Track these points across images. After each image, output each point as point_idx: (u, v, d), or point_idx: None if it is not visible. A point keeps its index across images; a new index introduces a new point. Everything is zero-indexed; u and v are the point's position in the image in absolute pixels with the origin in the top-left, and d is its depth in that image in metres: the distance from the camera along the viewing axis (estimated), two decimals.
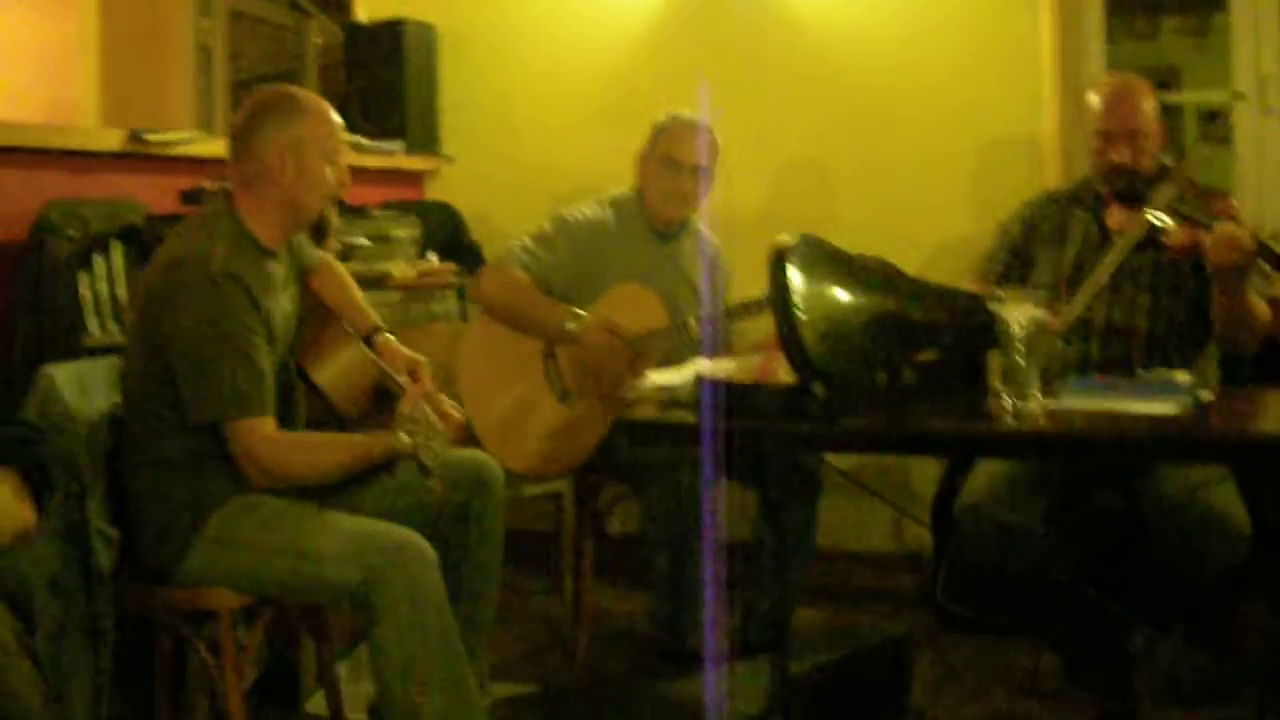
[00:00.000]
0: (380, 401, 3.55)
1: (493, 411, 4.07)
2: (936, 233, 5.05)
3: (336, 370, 3.52)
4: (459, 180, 5.86)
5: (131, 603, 3.31)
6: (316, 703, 4.04)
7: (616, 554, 4.73)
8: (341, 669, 3.84)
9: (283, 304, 3.38)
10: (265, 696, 3.41)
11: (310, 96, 3.42)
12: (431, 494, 3.20)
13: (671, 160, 4.30)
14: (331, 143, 3.40)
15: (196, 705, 3.71)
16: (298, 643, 4.05)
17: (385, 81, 5.81)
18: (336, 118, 3.44)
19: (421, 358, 3.66)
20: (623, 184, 4.48)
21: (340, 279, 3.72)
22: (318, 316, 3.61)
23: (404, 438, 3.05)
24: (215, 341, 3.14)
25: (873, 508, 4.89)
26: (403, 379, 3.54)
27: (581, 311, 4.12)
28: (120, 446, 3.35)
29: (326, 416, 3.46)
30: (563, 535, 4.95)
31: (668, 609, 4.07)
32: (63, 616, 3.07)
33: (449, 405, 3.18)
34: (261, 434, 3.18)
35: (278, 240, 3.40)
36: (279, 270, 3.42)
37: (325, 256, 3.71)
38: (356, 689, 3.82)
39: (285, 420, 3.33)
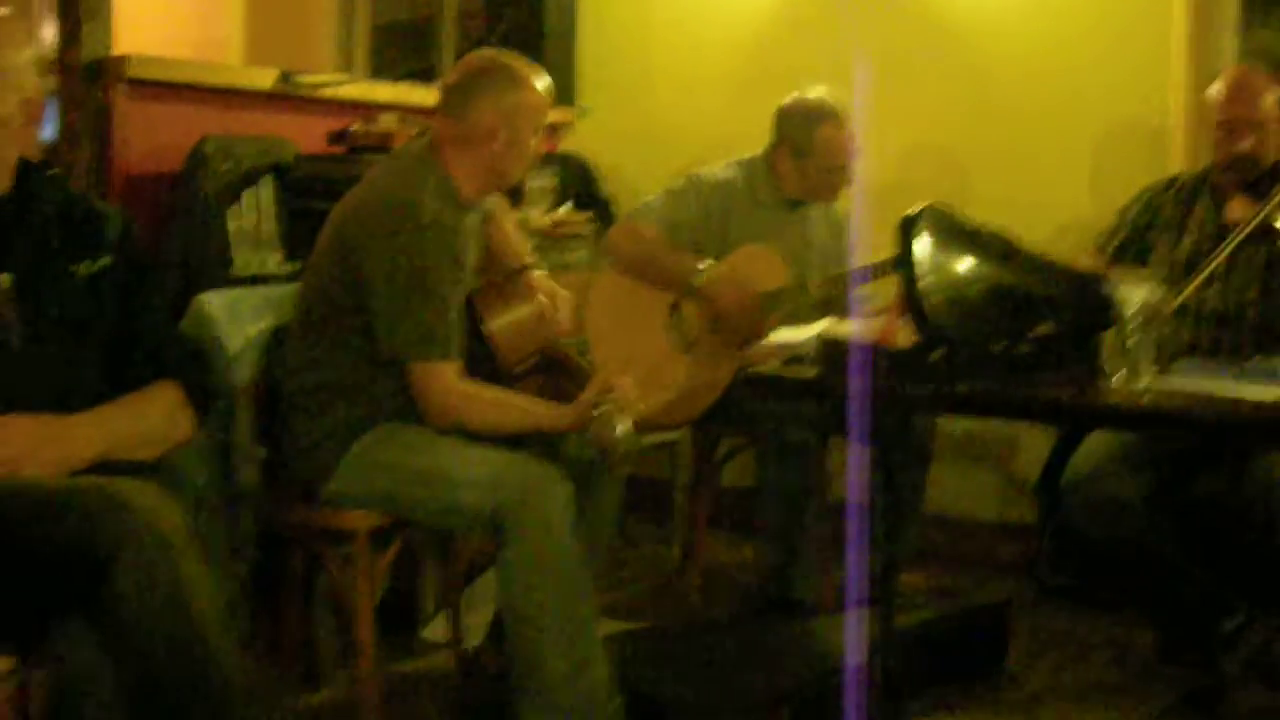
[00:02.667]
0: (545, 364, 3.70)
1: (618, 361, 4.17)
2: (1059, 213, 5.06)
3: (510, 323, 3.63)
4: (594, 134, 5.93)
5: (271, 521, 3.50)
6: (433, 629, 4.21)
7: (730, 505, 4.84)
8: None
9: (471, 257, 3.54)
10: (384, 622, 3.57)
11: (526, 67, 3.55)
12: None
13: (835, 166, 4.38)
14: (541, 116, 3.56)
15: (323, 624, 3.88)
16: (419, 570, 4.23)
17: (524, 32, 5.90)
18: (546, 90, 3.58)
19: (566, 293, 3.80)
20: (757, 145, 4.54)
21: (503, 223, 3.83)
22: (502, 268, 3.73)
23: (591, 429, 3.17)
24: (417, 285, 3.30)
25: (980, 478, 4.98)
26: (586, 362, 3.69)
27: (708, 265, 4.23)
28: (276, 367, 3.54)
29: (483, 362, 3.57)
30: (678, 484, 5.09)
31: (778, 560, 4.18)
32: (207, 532, 3.25)
33: (632, 394, 3.27)
34: (447, 380, 3.33)
35: (476, 197, 3.56)
36: (473, 223, 3.58)
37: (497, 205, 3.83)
38: (473, 619, 3.97)
39: None
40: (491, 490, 3.18)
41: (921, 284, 3.03)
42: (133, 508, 2.26)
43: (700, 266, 4.21)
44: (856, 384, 3.10)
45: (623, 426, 3.14)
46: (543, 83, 3.58)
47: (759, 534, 4.23)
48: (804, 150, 4.38)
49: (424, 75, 8.03)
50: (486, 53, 3.65)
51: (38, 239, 2.72)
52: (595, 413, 3.14)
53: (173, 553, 2.26)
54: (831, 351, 3.15)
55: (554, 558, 3.15)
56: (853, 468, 3.96)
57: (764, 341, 3.85)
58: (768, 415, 4.06)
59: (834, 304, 4.19)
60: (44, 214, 2.75)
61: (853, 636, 3.59)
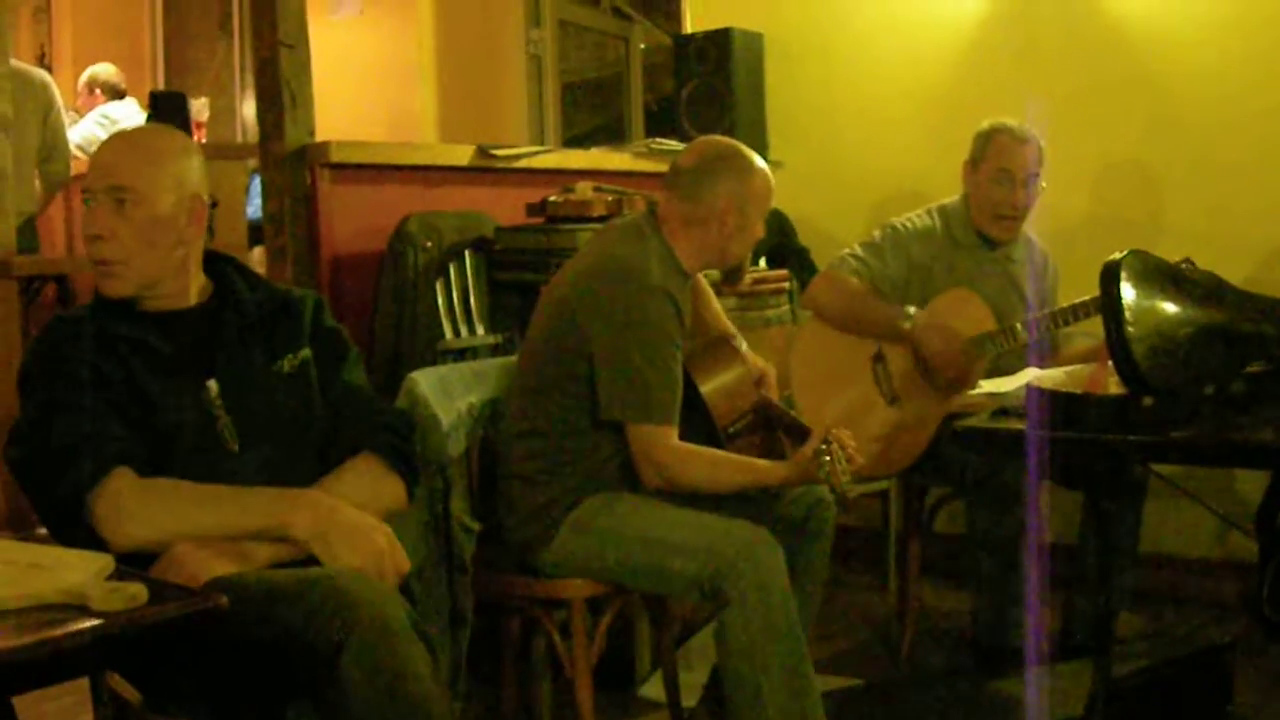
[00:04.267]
0: (759, 422, 3.73)
1: (824, 414, 4.15)
2: (1267, 238, 5.00)
3: (722, 386, 3.69)
4: (786, 186, 5.84)
5: (489, 590, 3.56)
6: (649, 688, 4.24)
7: (942, 552, 4.81)
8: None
9: (686, 324, 3.60)
10: (599, 680, 3.61)
11: (755, 156, 3.64)
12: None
13: (1002, 173, 4.34)
14: (768, 203, 3.65)
15: (540, 686, 3.94)
16: (633, 629, 4.26)
17: (714, 89, 5.97)
18: (771, 176, 3.66)
19: (770, 368, 3.84)
20: (948, 188, 4.53)
21: (708, 293, 3.92)
22: (709, 334, 3.80)
23: (821, 477, 3.19)
24: (643, 348, 3.38)
25: (1197, 513, 4.87)
26: (798, 416, 3.73)
27: (914, 310, 4.22)
28: (490, 439, 3.63)
29: (698, 425, 3.60)
30: (889, 533, 5.07)
31: (992, 608, 4.15)
32: (427, 603, 3.33)
33: (852, 447, 3.28)
34: (667, 442, 3.40)
35: (695, 270, 3.65)
36: (689, 290, 3.65)
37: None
38: (688, 677, 3.98)
39: None
40: (708, 556, 3.21)
41: (1128, 332, 3.00)
42: (357, 599, 2.33)
43: (908, 311, 4.20)
44: (1066, 435, 3.09)
45: (847, 474, 3.17)
46: (767, 169, 3.65)
47: (971, 582, 4.19)
48: (978, 158, 4.40)
49: (611, 130, 8.16)
50: (718, 139, 3.74)
51: (239, 341, 2.82)
52: (824, 459, 3.17)
53: (395, 642, 2.33)
54: (1040, 402, 3.13)
55: (772, 621, 3.18)
56: (1032, 516, 3.93)
57: (972, 393, 3.83)
58: (977, 466, 4.04)
59: (1040, 347, 4.15)
60: (242, 315, 2.84)
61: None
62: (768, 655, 3.18)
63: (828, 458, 3.17)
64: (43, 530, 4.93)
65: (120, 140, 2.87)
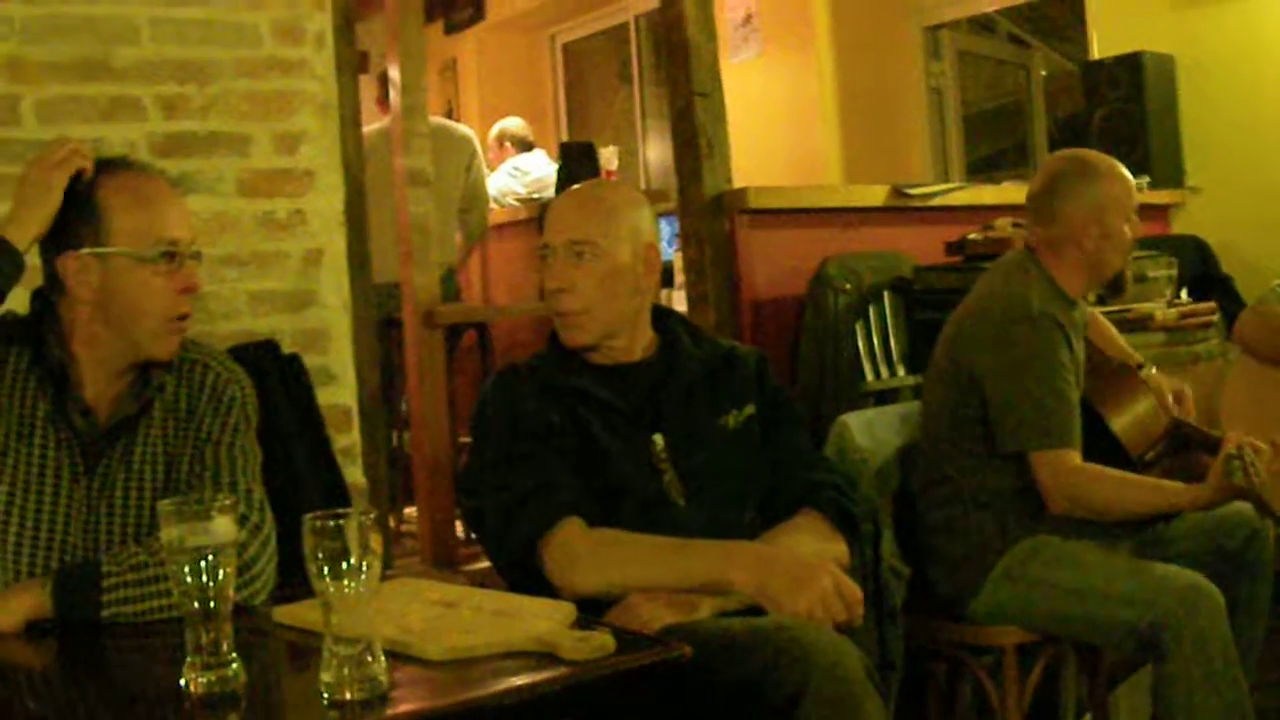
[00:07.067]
0: (1173, 446, 3.64)
1: (1262, 454, 4.04)
2: None
3: (1132, 419, 3.60)
4: (1205, 212, 5.80)
5: (916, 635, 3.53)
6: None
7: None
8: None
9: (1079, 351, 3.54)
10: None
11: (1104, 159, 3.57)
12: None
13: None
14: (1130, 202, 3.55)
15: None
16: (1059, 671, 4.18)
17: (1126, 115, 5.87)
18: (1129, 176, 3.58)
19: (1185, 385, 3.73)
20: None
21: (1104, 325, 3.84)
22: (1110, 367, 3.72)
23: (1234, 482, 3.10)
24: (1032, 376, 3.33)
25: None
26: (1216, 431, 3.62)
27: None
28: (912, 484, 3.60)
29: (1106, 460, 3.53)
30: None
31: None
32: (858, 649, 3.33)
33: (1263, 446, 3.14)
34: (1070, 464, 3.31)
35: (1079, 292, 3.57)
36: (1080, 318, 3.59)
37: (1091, 309, 3.81)
38: None
39: None
40: (1145, 606, 3.13)
41: None
42: (815, 650, 2.35)
43: None
44: None
45: (1261, 475, 3.05)
46: (1122, 168, 3.57)
47: None
48: None
49: (1009, 156, 8.07)
50: (1063, 154, 3.67)
51: (684, 397, 2.86)
52: (1234, 464, 3.07)
53: (853, 692, 2.33)
54: None
55: (1212, 673, 3.07)
56: None
57: None
58: None
59: None
60: (688, 370, 2.89)
61: None
62: (1208, 710, 3.08)
63: (1238, 461, 3.05)
64: (467, 567, 5.15)
65: (573, 197, 2.96)
